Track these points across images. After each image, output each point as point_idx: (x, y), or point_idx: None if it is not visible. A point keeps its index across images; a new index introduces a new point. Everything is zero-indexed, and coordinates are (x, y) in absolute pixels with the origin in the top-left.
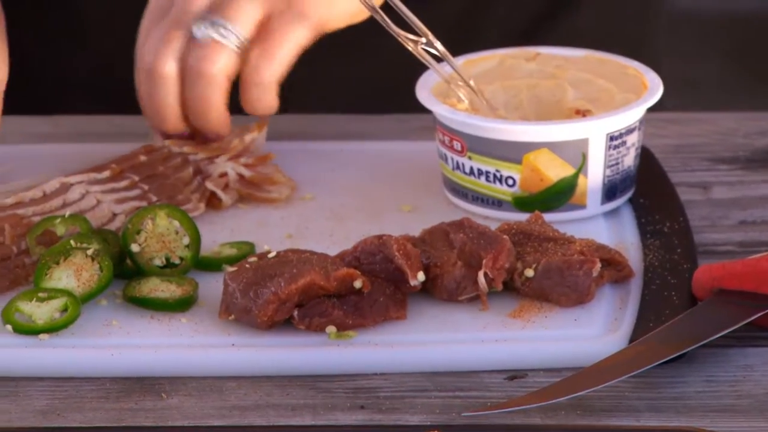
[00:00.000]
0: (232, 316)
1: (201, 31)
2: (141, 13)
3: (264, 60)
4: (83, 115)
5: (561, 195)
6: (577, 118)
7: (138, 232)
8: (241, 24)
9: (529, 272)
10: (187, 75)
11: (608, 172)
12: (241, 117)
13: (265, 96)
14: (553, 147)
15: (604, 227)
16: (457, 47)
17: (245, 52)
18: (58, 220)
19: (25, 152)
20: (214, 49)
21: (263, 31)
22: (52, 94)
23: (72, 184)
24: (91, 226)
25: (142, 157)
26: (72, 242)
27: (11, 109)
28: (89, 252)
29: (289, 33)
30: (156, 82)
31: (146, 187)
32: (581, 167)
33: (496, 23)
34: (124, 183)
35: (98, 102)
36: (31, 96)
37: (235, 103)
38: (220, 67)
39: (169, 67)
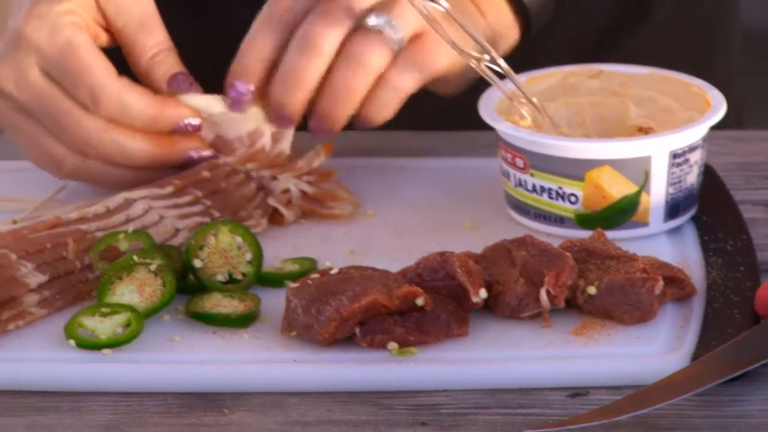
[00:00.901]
0: (294, 332)
1: (375, 20)
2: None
3: (410, 66)
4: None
5: (623, 212)
6: (640, 136)
7: (201, 248)
8: (405, 27)
9: (592, 290)
10: (342, 58)
11: (671, 189)
12: (305, 134)
13: (392, 103)
14: (616, 164)
15: (666, 245)
16: (522, 64)
17: (396, 55)
18: (122, 236)
19: None
20: (380, 41)
21: (416, 42)
22: None
23: (135, 200)
24: (154, 242)
25: (205, 173)
26: (135, 258)
27: None
28: (152, 267)
29: (441, 52)
30: (310, 54)
31: (209, 203)
32: (644, 185)
33: (561, 40)
34: (186, 199)
35: None
36: None
37: (305, 119)
38: (379, 60)
39: (330, 45)
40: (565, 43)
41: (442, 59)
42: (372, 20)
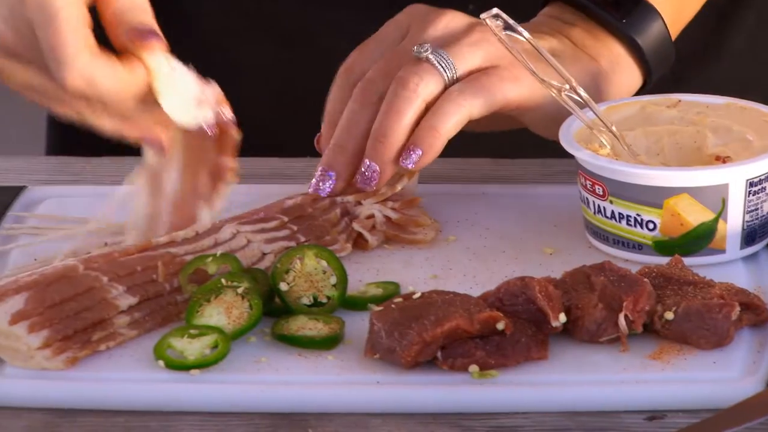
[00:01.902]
0: (377, 355)
1: (421, 50)
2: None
3: (472, 87)
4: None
5: (701, 239)
6: (717, 164)
7: (287, 272)
8: (461, 64)
9: (669, 315)
10: (390, 85)
11: (747, 217)
12: None
13: (454, 115)
14: (694, 192)
15: (743, 271)
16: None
17: (449, 86)
18: (210, 259)
19: None
20: (425, 69)
21: (479, 74)
22: None
23: (224, 224)
24: (241, 265)
25: (289, 202)
26: (223, 281)
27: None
28: (239, 290)
29: (508, 83)
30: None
31: (295, 228)
32: (721, 212)
33: None
34: (273, 223)
35: (256, 144)
36: None
37: None
38: (424, 86)
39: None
40: None
41: (510, 89)
42: (417, 50)
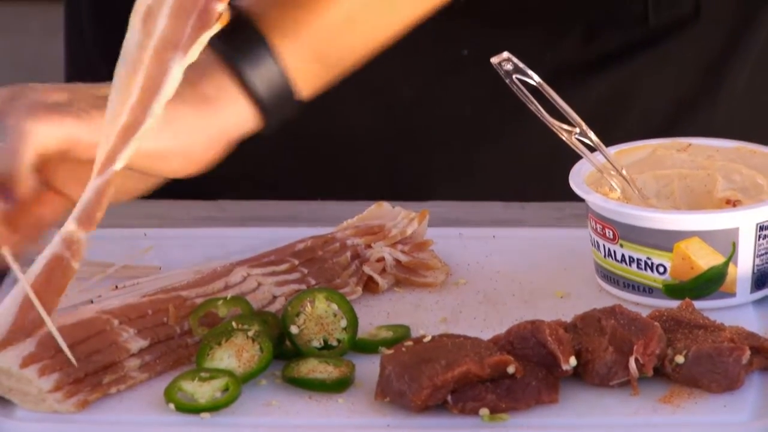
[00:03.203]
0: (388, 398)
1: None
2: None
3: None
4: (249, 201)
5: (711, 283)
6: (727, 208)
7: (297, 315)
8: None
9: (680, 359)
10: None
11: (758, 261)
12: (401, 202)
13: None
14: (704, 236)
15: (753, 315)
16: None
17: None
18: (221, 302)
19: (191, 235)
20: None
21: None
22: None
23: (234, 268)
24: (252, 308)
25: (300, 245)
26: (234, 324)
27: (179, 193)
28: (250, 333)
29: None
30: None
31: (305, 271)
32: (731, 256)
33: (633, 117)
34: (284, 266)
35: (265, 187)
36: (198, 181)
37: (398, 190)
38: None
39: None
40: (637, 119)
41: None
42: None
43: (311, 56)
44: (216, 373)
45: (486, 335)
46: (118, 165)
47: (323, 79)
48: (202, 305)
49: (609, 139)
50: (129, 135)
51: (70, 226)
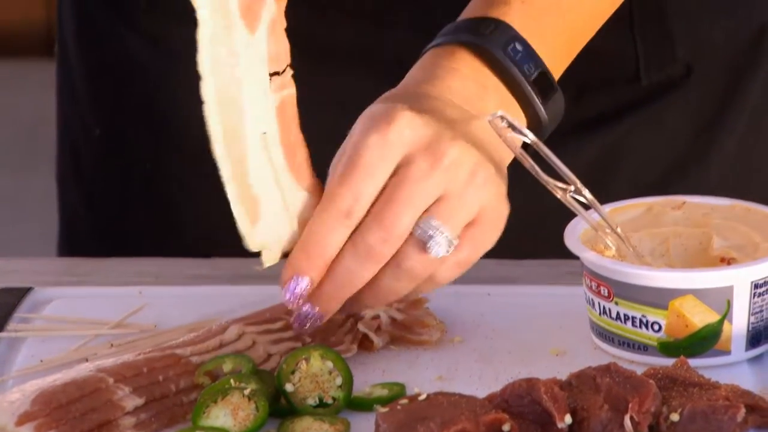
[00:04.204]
0: None
1: (437, 249)
2: None
3: (456, 266)
4: (242, 258)
5: (706, 341)
6: (722, 266)
7: (293, 372)
8: (455, 230)
9: (675, 416)
10: (394, 266)
11: (753, 319)
12: None
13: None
14: (699, 294)
15: (748, 373)
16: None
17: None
18: (227, 360)
19: (186, 293)
20: (437, 262)
21: (468, 233)
22: (208, 236)
23: (229, 325)
24: (254, 367)
25: None
26: (231, 381)
27: (172, 251)
28: (246, 392)
29: (493, 235)
30: (367, 264)
31: None
32: (726, 314)
33: (625, 176)
34: (279, 324)
35: None
36: (190, 239)
37: None
38: (424, 270)
39: (387, 255)
40: (628, 179)
41: (494, 239)
42: (426, 233)
43: (552, 53)
44: (212, 431)
45: (481, 393)
46: None
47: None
48: (211, 361)
49: (601, 198)
50: None
51: None
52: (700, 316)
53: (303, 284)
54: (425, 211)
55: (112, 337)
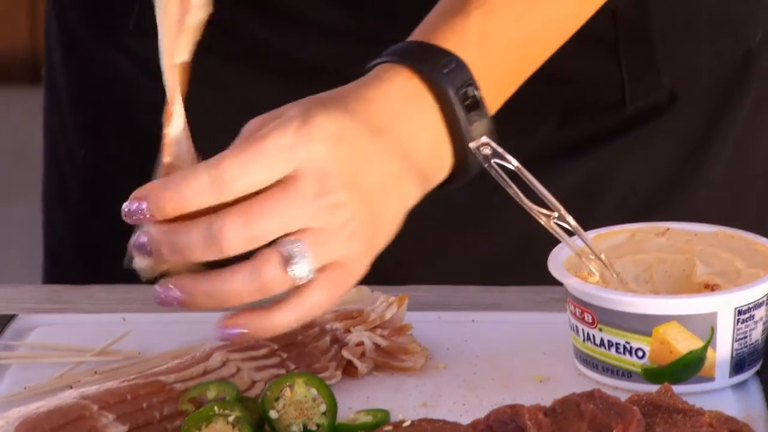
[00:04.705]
0: None
1: (299, 271)
2: None
3: (299, 309)
4: None
5: (690, 367)
6: (706, 292)
7: (277, 399)
8: (317, 261)
9: None
10: (250, 267)
11: (736, 345)
12: (379, 287)
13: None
14: (683, 320)
15: (732, 399)
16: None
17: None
18: (211, 387)
19: (170, 320)
20: (287, 280)
21: (329, 272)
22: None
23: (213, 352)
24: (238, 394)
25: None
26: (215, 408)
27: (156, 278)
28: (230, 419)
29: (354, 278)
30: (212, 251)
31: (285, 356)
32: (710, 340)
33: (610, 203)
34: (263, 351)
35: None
36: None
37: (377, 274)
38: (278, 287)
39: (236, 249)
40: (615, 202)
41: (342, 291)
42: (288, 250)
43: (476, 48)
44: None
45: (465, 420)
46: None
47: (497, 70)
48: (195, 388)
49: (586, 224)
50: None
51: None
52: (684, 343)
53: (142, 207)
54: (293, 234)
55: (96, 364)
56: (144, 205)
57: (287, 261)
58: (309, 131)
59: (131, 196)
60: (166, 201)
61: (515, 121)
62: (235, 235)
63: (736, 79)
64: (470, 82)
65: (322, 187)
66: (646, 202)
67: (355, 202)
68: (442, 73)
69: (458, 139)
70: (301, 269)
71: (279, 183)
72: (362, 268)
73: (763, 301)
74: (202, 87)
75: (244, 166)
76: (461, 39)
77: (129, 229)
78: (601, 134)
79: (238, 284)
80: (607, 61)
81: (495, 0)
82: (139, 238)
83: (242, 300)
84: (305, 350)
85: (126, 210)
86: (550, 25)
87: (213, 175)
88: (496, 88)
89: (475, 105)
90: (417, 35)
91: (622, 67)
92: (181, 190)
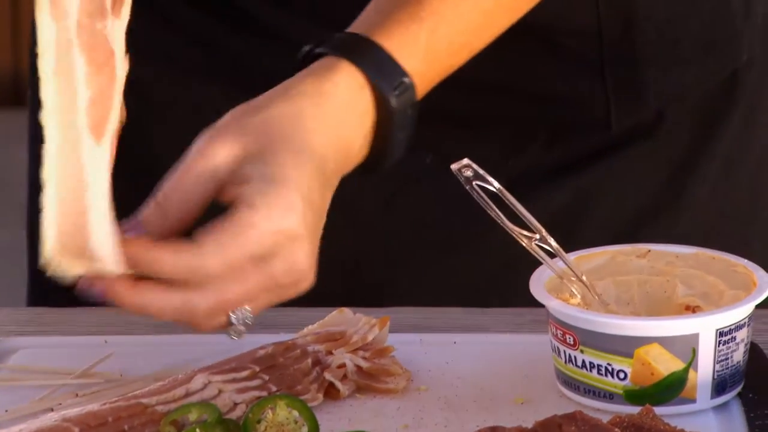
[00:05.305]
0: None
1: (237, 327)
2: None
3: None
4: None
5: (671, 389)
6: (687, 314)
7: (258, 422)
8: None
9: None
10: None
11: (718, 367)
12: (361, 309)
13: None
14: (664, 342)
15: (713, 421)
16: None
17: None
18: (193, 409)
19: (151, 342)
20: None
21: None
22: None
23: (195, 374)
24: (220, 415)
25: (261, 351)
26: (197, 430)
27: None
28: None
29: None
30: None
31: (266, 378)
32: (691, 362)
33: (595, 223)
34: (245, 373)
35: None
36: None
37: (359, 295)
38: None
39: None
40: (598, 226)
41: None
42: (238, 316)
43: (424, 59)
44: None
45: None
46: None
47: (432, 81)
48: (176, 410)
49: (571, 245)
50: (107, 100)
51: None
52: (665, 364)
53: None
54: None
55: (78, 386)
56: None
57: (232, 321)
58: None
59: (90, 284)
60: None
61: (500, 143)
62: (208, 317)
63: (721, 100)
64: (413, 103)
65: (291, 264)
66: (632, 222)
67: (308, 232)
68: (393, 94)
69: (387, 134)
70: (239, 329)
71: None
72: (307, 274)
73: (744, 323)
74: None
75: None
76: (412, 50)
77: None
78: (586, 154)
79: (168, 312)
80: (592, 82)
81: (446, 6)
82: (95, 285)
83: (164, 319)
84: (287, 372)
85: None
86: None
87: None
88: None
89: (409, 99)
90: (367, 25)
91: (608, 87)
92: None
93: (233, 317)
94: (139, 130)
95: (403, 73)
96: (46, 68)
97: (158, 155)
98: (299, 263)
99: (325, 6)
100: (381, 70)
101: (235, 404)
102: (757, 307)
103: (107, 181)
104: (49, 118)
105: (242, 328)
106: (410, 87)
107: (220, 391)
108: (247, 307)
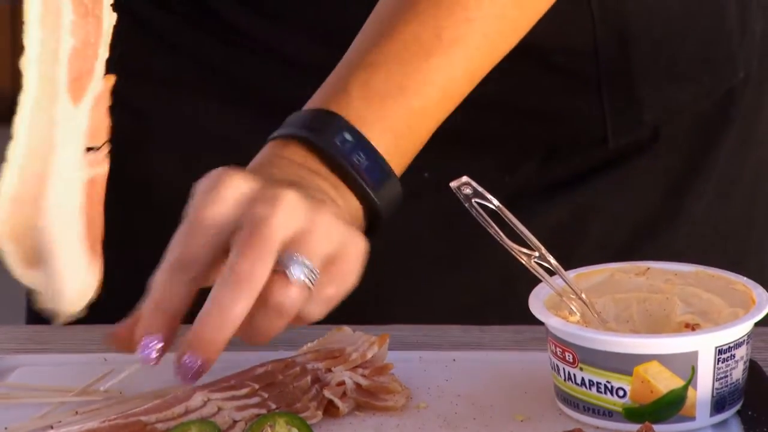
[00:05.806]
0: None
1: (297, 272)
2: None
3: (320, 302)
4: None
5: (670, 407)
6: (686, 332)
7: None
8: (317, 260)
9: None
10: (262, 304)
11: (717, 384)
12: (361, 326)
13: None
14: (663, 359)
15: None
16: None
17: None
18: (193, 427)
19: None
20: (302, 293)
21: (330, 268)
22: None
23: (194, 392)
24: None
25: (260, 369)
26: None
27: None
28: None
29: (354, 271)
30: (241, 292)
31: (266, 395)
32: (690, 380)
33: (593, 239)
34: (244, 391)
35: None
36: None
37: (358, 313)
38: (294, 306)
39: (260, 282)
40: (594, 243)
41: (355, 273)
42: (295, 273)
43: (395, 139)
44: None
45: None
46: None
47: (406, 159)
48: (175, 428)
49: (569, 262)
50: (91, 52)
51: None
52: (664, 382)
53: (155, 342)
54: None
55: (77, 404)
56: (155, 340)
57: (286, 271)
58: (229, 184)
59: (137, 340)
60: (162, 316)
61: (497, 158)
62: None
63: (718, 117)
64: (345, 127)
65: (271, 201)
66: (629, 239)
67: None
68: (315, 129)
69: (354, 185)
70: (299, 271)
71: (239, 229)
72: (360, 247)
73: (744, 341)
74: (177, 123)
75: (191, 244)
76: (343, 97)
77: (108, 270)
78: (583, 171)
79: (259, 323)
80: (589, 100)
81: (377, 55)
82: (185, 361)
83: (274, 333)
84: (286, 390)
85: (146, 353)
86: (444, 73)
87: (170, 267)
88: (389, 137)
89: (356, 148)
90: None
91: (604, 104)
92: (166, 300)
93: (278, 264)
94: (134, 149)
95: (329, 112)
96: (32, 14)
97: (154, 173)
98: (286, 205)
99: (318, 21)
100: (307, 124)
101: (235, 422)
102: (756, 324)
103: (77, 154)
104: (30, 66)
105: (297, 266)
106: (394, 182)
107: (219, 409)
108: (288, 251)
